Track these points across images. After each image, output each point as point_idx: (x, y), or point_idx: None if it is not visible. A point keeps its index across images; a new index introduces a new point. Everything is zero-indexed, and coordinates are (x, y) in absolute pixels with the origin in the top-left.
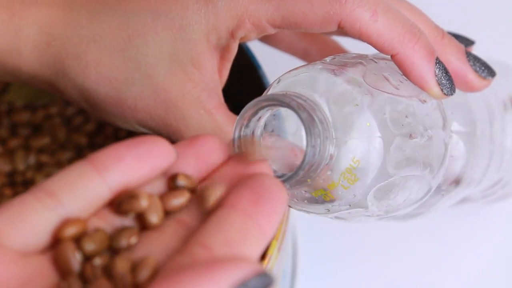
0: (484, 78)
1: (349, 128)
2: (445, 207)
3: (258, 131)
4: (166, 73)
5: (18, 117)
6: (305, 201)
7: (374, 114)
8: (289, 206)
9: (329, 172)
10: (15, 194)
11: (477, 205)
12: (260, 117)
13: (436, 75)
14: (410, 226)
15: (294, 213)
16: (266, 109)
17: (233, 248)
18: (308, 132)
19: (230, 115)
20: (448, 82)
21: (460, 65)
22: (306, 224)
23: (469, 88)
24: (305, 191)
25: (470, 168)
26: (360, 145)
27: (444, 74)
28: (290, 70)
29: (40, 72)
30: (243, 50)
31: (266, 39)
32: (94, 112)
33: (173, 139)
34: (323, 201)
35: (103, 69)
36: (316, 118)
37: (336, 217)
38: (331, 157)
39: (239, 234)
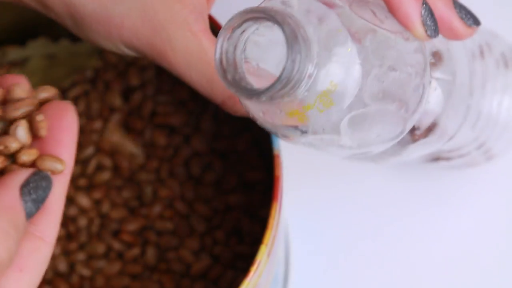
0: (469, 26)
1: (330, 51)
2: (415, 155)
3: (241, 46)
4: None
5: None
6: (281, 121)
7: (356, 40)
8: (265, 127)
9: (306, 93)
10: None
11: (451, 165)
12: (243, 31)
13: (421, 15)
14: (406, 227)
15: (287, 218)
16: (251, 21)
17: None
18: (290, 47)
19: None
20: (433, 24)
21: (446, 11)
22: (299, 228)
23: (454, 35)
24: (280, 111)
25: (445, 118)
26: (339, 69)
27: (429, 16)
28: None
29: None
30: None
31: None
32: (79, 30)
33: (157, 61)
34: (297, 123)
35: None
36: (299, 35)
37: (309, 144)
38: (310, 76)
39: None
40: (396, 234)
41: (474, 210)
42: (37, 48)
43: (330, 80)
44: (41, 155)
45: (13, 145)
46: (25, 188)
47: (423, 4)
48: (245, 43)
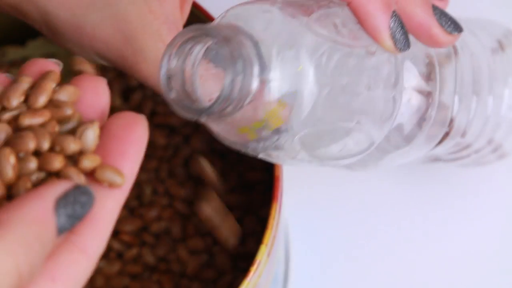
0: (450, 33)
1: (280, 69)
2: (395, 164)
3: (190, 61)
4: (128, 3)
5: None
6: (233, 137)
7: (309, 58)
8: (222, 141)
9: (252, 111)
10: None
11: (450, 166)
12: (192, 47)
13: (390, 28)
14: (407, 227)
15: (287, 217)
16: (195, 39)
17: None
18: (228, 67)
19: None
20: (403, 37)
21: (425, 18)
22: (299, 228)
23: (434, 42)
24: (231, 127)
25: (420, 131)
26: (288, 87)
27: (399, 29)
28: (240, 4)
29: None
30: None
31: None
32: (54, 38)
33: (129, 71)
34: (247, 140)
35: None
36: (240, 54)
37: (265, 157)
38: (256, 96)
39: None
40: (397, 234)
41: (477, 212)
42: (37, 48)
43: (279, 98)
44: (102, 165)
45: (72, 146)
46: (61, 201)
47: (392, 16)
48: (195, 58)
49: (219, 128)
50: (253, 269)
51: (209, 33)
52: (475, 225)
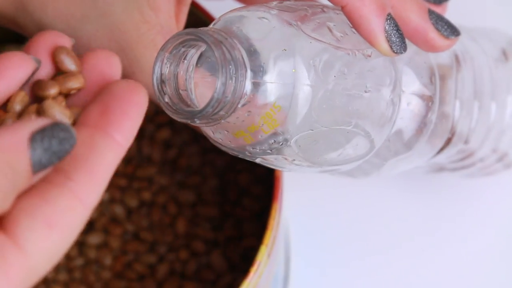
0: (447, 37)
1: (274, 72)
2: (398, 171)
3: (184, 66)
4: (122, 13)
5: None
6: (229, 142)
7: (303, 61)
8: (217, 147)
9: (247, 114)
10: None
11: (456, 176)
12: (185, 51)
13: (385, 31)
14: (407, 228)
15: (288, 218)
16: (186, 44)
17: (81, 162)
18: (220, 69)
19: None
20: (399, 40)
21: (420, 23)
22: (300, 228)
23: (431, 47)
24: (227, 132)
25: (421, 136)
26: (282, 90)
27: (394, 31)
28: (234, 9)
29: (2, 7)
30: None
31: None
32: None
33: None
34: (244, 144)
35: (60, 5)
36: (231, 56)
37: (263, 162)
38: (250, 98)
39: (86, 148)
40: (397, 236)
41: (481, 222)
42: None
43: (273, 101)
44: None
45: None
46: (37, 134)
47: (387, 19)
48: (189, 63)
49: (215, 133)
50: (253, 269)
51: (200, 37)
52: (479, 234)
